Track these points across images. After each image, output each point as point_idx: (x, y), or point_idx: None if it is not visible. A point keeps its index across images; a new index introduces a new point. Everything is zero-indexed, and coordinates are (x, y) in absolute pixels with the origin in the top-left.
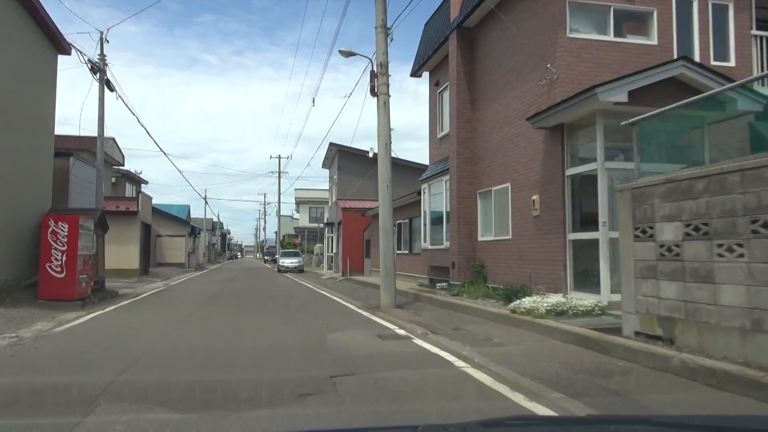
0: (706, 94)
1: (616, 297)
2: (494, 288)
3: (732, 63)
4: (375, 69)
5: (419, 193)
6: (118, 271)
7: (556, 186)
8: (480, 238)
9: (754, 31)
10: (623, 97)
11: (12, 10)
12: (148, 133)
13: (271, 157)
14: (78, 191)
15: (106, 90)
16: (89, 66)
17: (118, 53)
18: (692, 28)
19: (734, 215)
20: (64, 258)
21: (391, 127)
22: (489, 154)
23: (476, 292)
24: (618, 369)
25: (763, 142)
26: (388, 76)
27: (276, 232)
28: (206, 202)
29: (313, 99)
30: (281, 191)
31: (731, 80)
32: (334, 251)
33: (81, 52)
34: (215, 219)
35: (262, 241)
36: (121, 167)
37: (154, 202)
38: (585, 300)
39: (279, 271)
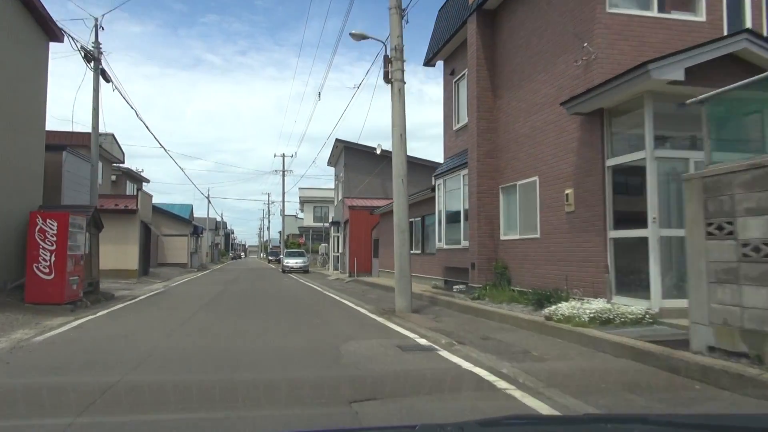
0: None
1: (670, 303)
2: (521, 291)
3: None
4: (389, 53)
5: (433, 190)
6: (117, 271)
7: (594, 178)
8: (502, 237)
9: None
10: (679, 75)
11: None
12: (147, 127)
13: (275, 156)
14: (72, 187)
15: (102, 81)
16: (82, 54)
17: (122, 53)
18: (744, 4)
19: None
20: (53, 258)
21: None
22: (513, 146)
23: (500, 295)
24: (701, 395)
25: None
26: (403, 61)
27: (280, 232)
28: (209, 201)
29: (319, 93)
30: (285, 190)
31: None
32: (341, 251)
33: (73, 39)
34: (219, 218)
35: (266, 240)
36: (121, 165)
37: (158, 202)
38: (632, 307)
39: (283, 271)
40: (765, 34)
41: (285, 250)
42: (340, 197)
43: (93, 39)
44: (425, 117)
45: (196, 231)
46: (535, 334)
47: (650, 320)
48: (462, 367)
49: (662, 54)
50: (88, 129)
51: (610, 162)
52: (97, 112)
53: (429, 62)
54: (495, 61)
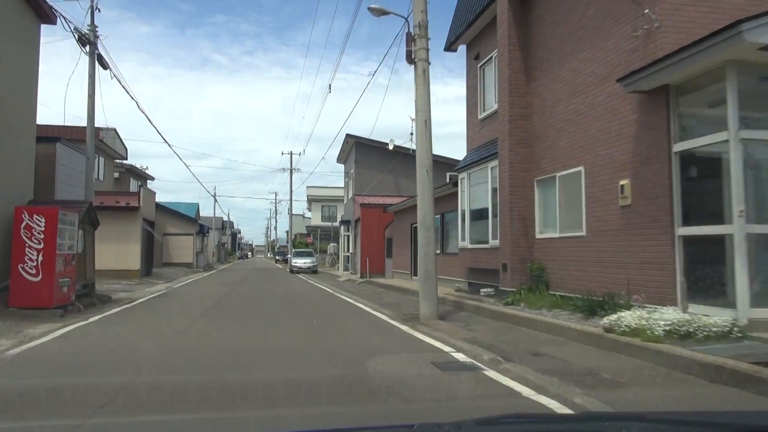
0: None
1: (761, 313)
2: (563, 297)
3: None
4: (412, 30)
5: (455, 184)
6: (117, 272)
7: (658, 166)
8: (538, 236)
9: None
10: None
11: None
12: (149, 120)
13: (282, 153)
14: (67, 182)
15: (101, 71)
16: (76, 36)
17: (130, 53)
18: None
19: None
20: (40, 258)
21: (411, 117)
22: (551, 133)
23: (539, 301)
24: None
25: None
26: (427, 39)
27: (287, 232)
28: (215, 200)
29: (329, 85)
30: (293, 189)
31: None
32: (351, 251)
33: (66, 20)
34: (225, 218)
35: (273, 240)
36: (124, 161)
37: (164, 200)
38: (713, 317)
39: (291, 271)
40: None
41: (293, 250)
42: (350, 195)
43: (89, 22)
44: (435, 116)
45: (202, 230)
46: (593, 349)
47: (738, 334)
48: (522, 395)
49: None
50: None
51: (679, 146)
52: (93, 100)
53: (450, 47)
54: (528, 40)
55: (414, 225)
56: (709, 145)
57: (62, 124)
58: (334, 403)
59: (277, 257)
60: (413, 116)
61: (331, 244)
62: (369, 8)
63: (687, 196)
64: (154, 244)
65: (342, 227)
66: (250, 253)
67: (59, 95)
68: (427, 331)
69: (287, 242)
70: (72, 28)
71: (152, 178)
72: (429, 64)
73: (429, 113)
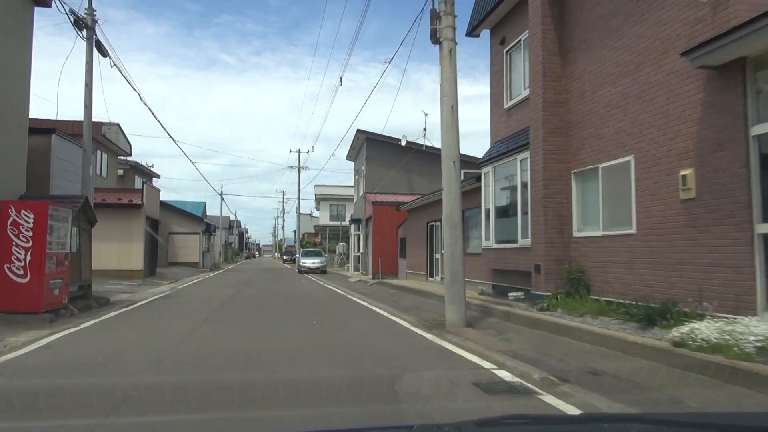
0: None
1: None
2: (609, 303)
3: None
4: (436, 7)
5: (478, 179)
6: (119, 272)
7: (730, 153)
8: (576, 234)
9: None
10: None
11: None
12: (152, 113)
13: (290, 151)
14: (63, 176)
15: (99, 57)
16: (72, 20)
17: (138, 54)
18: None
19: None
20: (29, 257)
21: (425, 113)
22: (593, 120)
23: (580, 307)
24: None
25: None
26: (454, 16)
27: (295, 231)
28: (222, 198)
29: (341, 78)
30: (301, 188)
31: None
32: (362, 251)
33: (62, 1)
34: (232, 217)
35: (280, 240)
36: (128, 158)
37: (171, 199)
38: None
39: (300, 272)
40: None
41: (301, 250)
42: (361, 193)
43: (86, 6)
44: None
45: (209, 229)
46: (661, 367)
47: None
48: None
49: None
50: (97, 118)
51: (758, 129)
52: (90, 89)
53: (472, 32)
54: (564, 18)
55: (430, 223)
56: None
57: (63, 118)
58: None
59: (284, 257)
60: (426, 111)
61: (340, 244)
62: None
63: (767, 186)
64: (158, 243)
65: (352, 226)
66: (257, 253)
67: (63, 89)
68: (457, 341)
69: (295, 242)
70: (67, 10)
71: (158, 176)
72: (455, 43)
73: (456, 98)
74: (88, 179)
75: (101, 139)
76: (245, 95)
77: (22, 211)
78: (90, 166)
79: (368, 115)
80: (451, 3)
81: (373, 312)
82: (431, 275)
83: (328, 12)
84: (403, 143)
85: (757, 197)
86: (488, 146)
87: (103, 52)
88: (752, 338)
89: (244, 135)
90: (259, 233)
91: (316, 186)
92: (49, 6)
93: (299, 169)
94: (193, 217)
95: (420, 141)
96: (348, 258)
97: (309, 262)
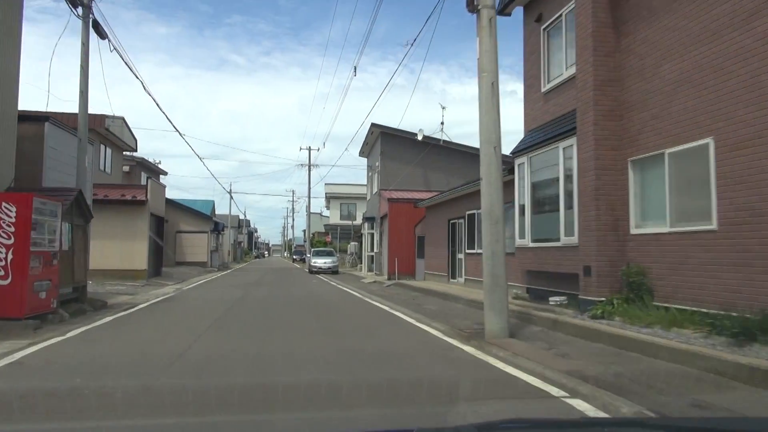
0: None
1: None
2: (681, 311)
3: None
4: None
5: (510, 171)
6: (122, 272)
7: None
8: (634, 230)
9: None
10: None
11: None
12: (157, 105)
13: (300, 149)
14: (58, 168)
15: (98, 39)
16: None
17: (149, 54)
18: None
19: None
20: (10, 256)
21: (442, 106)
22: (656, 99)
23: (644, 316)
24: None
25: None
26: None
27: (305, 230)
28: (231, 196)
29: (355, 68)
30: (311, 187)
31: None
32: (376, 250)
33: None
34: (242, 216)
35: (290, 239)
36: (134, 154)
37: (179, 199)
38: None
39: (310, 272)
40: None
41: (312, 249)
42: (375, 190)
43: None
44: (461, 115)
45: (217, 228)
46: None
47: None
48: None
49: None
50: (95, 111)
51: None
52: (86, 72)
53: (504, 10)
54: None
55: (452, 221)
56: None
57: (65, 111)
58: None
59: (294, 257)
60: (444, 104)
61: (352, 243)
62: None
63: None
64: (164, 242)
65: (365, 224)
66: (266, 252)
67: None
68: (505, 357)
69: (304, 241)
70: None
71: (165, 173)
72: (495, 12)
73: (496, 74)
74: (83, 170)
75: (105, 132)
76: (255, 96)
77: (3, 204)
78: (85, 156)
79: (379, 115)
80: None
81: (396, 318)
82: (453, 276)
83: (338, 12)
84: (420, 137)
85: None
86: (513, 141)
87: (102, 34)
88: None
89: (253, 135)
90: (269, 233)
91: (326, 184)
92: None
93: (309, 167)
94: (202, 215)
95: (436, 135)
96: (360, 258)
97: (320, 261)
